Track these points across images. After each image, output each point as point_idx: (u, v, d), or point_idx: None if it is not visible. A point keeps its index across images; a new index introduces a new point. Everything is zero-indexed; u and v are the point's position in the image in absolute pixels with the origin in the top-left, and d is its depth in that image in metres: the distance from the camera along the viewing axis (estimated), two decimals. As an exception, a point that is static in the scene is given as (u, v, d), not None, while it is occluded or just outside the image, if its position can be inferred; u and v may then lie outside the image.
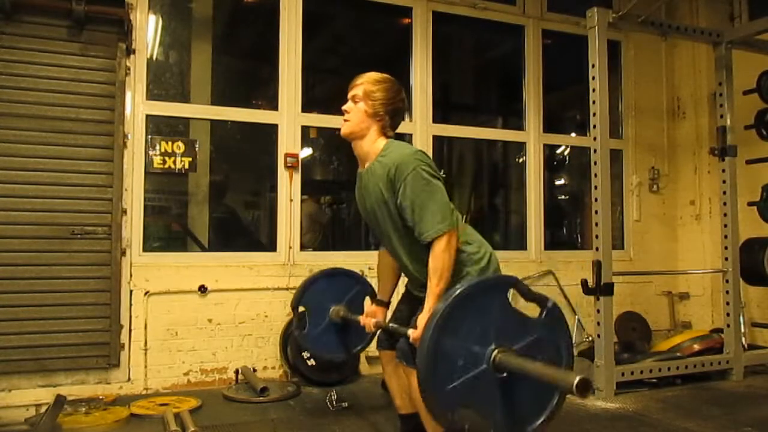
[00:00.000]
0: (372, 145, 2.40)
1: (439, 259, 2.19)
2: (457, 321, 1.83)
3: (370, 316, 2.71)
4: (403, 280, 2.67)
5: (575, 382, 1.59)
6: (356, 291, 3.11)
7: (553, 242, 5.68)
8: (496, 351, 1.83)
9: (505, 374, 1.84)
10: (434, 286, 2.18)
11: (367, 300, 3.05)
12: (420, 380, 1.82)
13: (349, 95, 2.43)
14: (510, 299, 1.99)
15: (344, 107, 2.43)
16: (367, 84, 2.40)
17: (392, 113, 2.41)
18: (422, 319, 2.16)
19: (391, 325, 2.53)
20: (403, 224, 2.32)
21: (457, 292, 1.85)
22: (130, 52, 4.07)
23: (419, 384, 1.83)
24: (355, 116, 2.39)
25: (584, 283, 3.96)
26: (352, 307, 3.07)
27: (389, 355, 2.53)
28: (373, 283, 3.08)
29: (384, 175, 2.29)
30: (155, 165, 4.22)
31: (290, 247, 4.47)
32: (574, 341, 4.79)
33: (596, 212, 4.00)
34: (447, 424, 1.86)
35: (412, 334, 2.19)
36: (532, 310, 1.98)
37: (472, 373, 1.83)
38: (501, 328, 1.87)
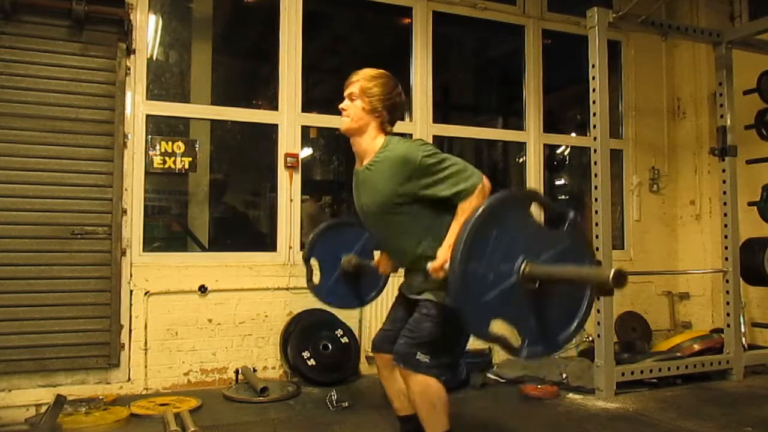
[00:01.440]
0: (371, 142, 2.40)
1: (473, 202, 2.17)
2: (485, 238, 1.87)
3: (383, 260, 2.73)
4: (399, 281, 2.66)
5: (611, 274, 1.62)
6: (365, 240, 3.05)
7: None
8: (524, 263, 1.88)
9: (536, 285, 1.89)
10: (459, 223, 2.13)
11: (377, 252, 3.02)
12: (455, 296, 1.87)
13: (346, 93, 2.43)
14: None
15: (341, 106, 2.43)
16: (362, 81, 2.39)
17: (390, 108, 2.40)
18: (443, 251, 2.15)
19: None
20: (409, 217, 2.31)
21: (481, 210, 1.89)
22: (130, 52, 4.07)
23: (455, 300, 1.88)
24: (353, 114, 2.39)
25: (584, 283, 3.96)
26: (362, 256, 3.03)
27: (385, 358, 2.52)
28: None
29: (390, 167, 2.28)
30: (155, 165, 4.22)
31: (290, 247, 4.47)
32: (574, 341, 4.82)
33: (596, 212, 4.00)
34: (484, 336, 1.92)
35: (433, 264, 2.17)
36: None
37: (504, 286, 1.88)
38: (526, 242, 1.92)
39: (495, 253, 1.88)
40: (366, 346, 4.49)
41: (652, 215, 5.71)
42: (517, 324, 1.93)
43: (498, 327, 1.95)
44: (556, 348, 2.07)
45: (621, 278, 1.62)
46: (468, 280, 1.84)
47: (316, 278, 3.07)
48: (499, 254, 1.88)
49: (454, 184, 2.23)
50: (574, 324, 1.99)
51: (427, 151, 2.25)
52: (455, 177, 2.24)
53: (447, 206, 2.27)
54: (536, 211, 2.07)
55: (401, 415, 2.61)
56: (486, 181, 2.25)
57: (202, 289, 4.20)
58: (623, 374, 4.00)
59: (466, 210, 2.16)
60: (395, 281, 2.81)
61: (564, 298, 1.96)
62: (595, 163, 4.04)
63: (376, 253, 2.95)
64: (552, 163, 6.22)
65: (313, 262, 3.05)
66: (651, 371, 4.11)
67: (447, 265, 2.02)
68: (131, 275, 4.04)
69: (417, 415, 2.38)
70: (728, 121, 4.47)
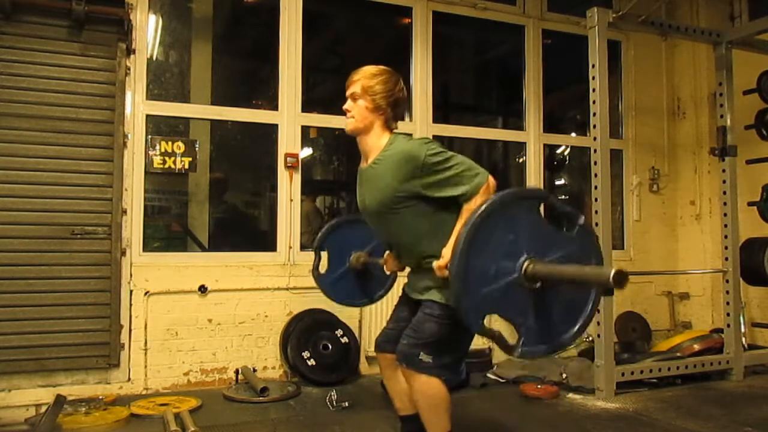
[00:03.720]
0: (377, 140, 2.39)
1: (478, 202, 2.15)
2: (490, 230, 1.86)
3: (389, 259, 2.73)
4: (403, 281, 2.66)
5: (611, 273, 1.61)
6: (378, 242, 3.01)
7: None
8: (527, 261, 1.87)
9: (538, 285, 1.87)
10: (462, 222, 2.12)
11: (387, 251, 3.01)
12: (452, 288, 1.85)
13: (348, 93, 2.41)
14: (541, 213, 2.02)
15: (345, 107, 2.41)
16: (364, 79, 2.38)
17: (393, 105, 2.39)
18: (449, 249, 2.13)
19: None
20: (413, 216, 2.30)
21: (491, 201, 1.89)
22: (130, 52, 4.07)
23: (454, 291, 1.86)
24: (357, 114, 2.38)
25: (584, 283, 3.96)
26: (374, 255, 3.02)
27: (389, 358, 2.52)
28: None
29: (394, 164, 2.28)
30: (155, 165, 4.21)
31: (290, 247, 4.47)
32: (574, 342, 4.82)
33: (596, 212, 4.00)
34: (479, 330, 1.91)
35: (439, 261, 2.16)
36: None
37: (504, 281, 1.87)
38: (532, 240, 1.91)
39: (498, 249, 1.87)
40: (366, 346, 4.49)
41: (652, 215, 5.71)
42: (516, 322, 1.92)
43: (496, 324, 1.95)
44: (559, 348, 2.07)
45: (622, 278, 1.61)
46: (468, 272, 1.83)
47: (323, 268, 3.06)
48: (502, 250, 1.87)
49: (458, 184, 2.23)
50: (578, 325, 1.99)
51: (432, 150, 2.24)
52: (460, 176, 2.23)
53: (452, 205, 2.26)
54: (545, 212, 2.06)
55: (403, 414, 2.61)
56: (491, 180, 2.24)
57: (202, 289, 4.20)
58: (623, 374, 4.00)
59: (470, 210, 2.13)
60: (400, 280, 2.81)
61: (568, 299, 1.95)
62: (595, 163, 4.05)
63: (387, 254, 2.94)
64: (552, 163, 6.23)
65: (323, 253, 3.05)
66: (651, 371, 4.11)
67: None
68: (131, 275, 4.04)
69: (418, 415, 2.38)
70: (728, 121, 4.47)
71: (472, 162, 2.28)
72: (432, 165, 2.23)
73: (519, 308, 1.90)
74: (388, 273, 2.91)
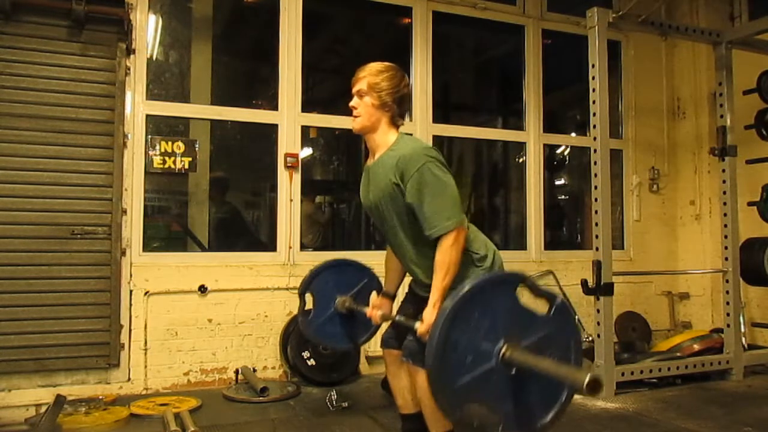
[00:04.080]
0: (384, 137, 2.39)
1: (447, 253, 2.18)
2: (466, 318, 1.82)
3: (377, 308, 2.70)
4: (407, 279, 2.66)
5: (586, 380, 1.58)
6: (364, 284, 3.06)
7: (553, 242, 5.69)
8: (505, 347, 1.83)
9: (514, 370, 1.84)
10: (440, 280, 2.18)
11: (374, 293, 3.02)
12: (430, 377, 1.82)
13: (354, 90, 2.41)
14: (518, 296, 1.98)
15: (351, 104, 2.41)
16: (370, 76, 2.38)
17: (399, 101, 2.40)
18: (429, 313, 2.15)
19: (398, 317, 2.52)
20: (409, 218, 2.31)
21: (466, 288, 1.84)
22: (130, 52, 4.07)
23: (429, 381, 1.82)
24: (363, 111, 2.38)
25: (584, 283, 3.96)
26: (358, 300, 3.03)
27: (394, 354, 2.52)
28: (381, 278, 3.07)
29: (393, 165, 2.28)
30: (155, 165, 4.21)
31: (290, 247, 4.46)
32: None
33: (596, 212, 4.00)
34: (456, 419, 1.87)
35: (420, 327, 2.18)
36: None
37: (482, 370, 1.82)
38: (510, 324, 1.86)
39: (476, 333, 1.82)
40: (366, 346, 4.47)
41: (652, 215, 5.71)
42: (494, 410, 1.87)
43: (473, 410, 1.88)
44: None
45: (596, 386, 1.58)
46: (446, 358, 1.79)
47: (309, 313, 3.06)
48: (480, 335, 1.83)
49: (427, 217, 2.21)
50: (551, 414, 1.92)
51: (431, 166, 2.23)
52: (435, 206, 2.21)
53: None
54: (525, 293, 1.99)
55: (404, 413, 2.62)
56: (462, 233, 2.22)
57: (202, 289, 4.20)
58: (623, 374, 4.00)
59: (442, 264, 2.17)
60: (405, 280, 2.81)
61: (542, 384, 1.88)
62: (595, 163, 4.04)
63: (373, 297, 2.95)
64: (552, 163, 6.23)
65: (308, 296, 3.05)
66: (651, 371, 4.11)
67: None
68: (131, 275, 4.04)
69: (420, 414, 2.39)
70: (728, 121, 4.47)
71: (457, 205, 2.25)
72: (422, 178, 2.21)
73: (497, 395, 1.86)
74: (373, 324, 2.87)
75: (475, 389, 1.83)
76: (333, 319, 3.05)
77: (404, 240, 2.39)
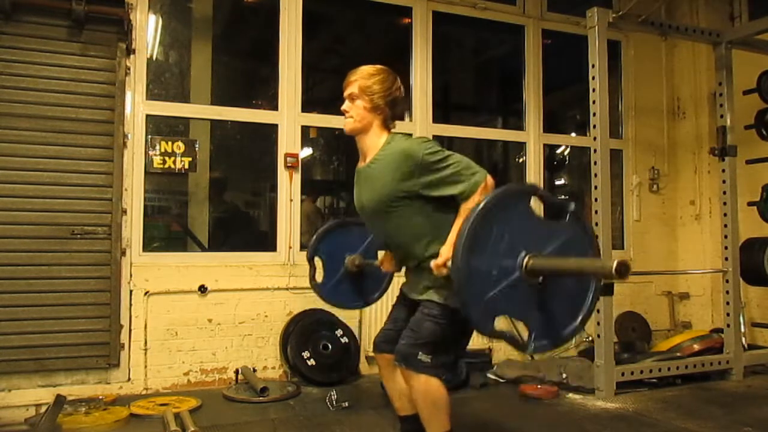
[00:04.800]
0: (376, 140, 2.39)
1: (474, 202, 2.15)
2: (485, 234, 1.86)
3: (386, 259, 2.71)
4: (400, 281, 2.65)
5: (614, 265, 1.63)
6: (370, 241, 3.03)
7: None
8: (527, 257, 1.87)
9: (539, 280, 1.88)
10: (460, 224, 2.12)
11: (381, 252, 3.00)
12: (458, 295, 1.86)
13: (345, 94, 2.41)
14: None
15: (343, 107, 2.42)
16: (361, 79, 2.38)
17: (392, 104, 2.39)
18: (446, 248, 2.14)
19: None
20: (413, 211, 2.30)
21: (480, 206, 1.88)
22: (130, 52, 4.07)
23: (458, 298, 1.86)
24: (355, 114, 2.38)
25: (584, 283, 3.96)
26: (366, 257, 3.02)
27: (387, 358, 2.51)
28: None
29: (395, 160, 2.28)
30: (155, 165, 4.21)
31: (290, 247, 4.46)
32: (574, 341, 4.82)
33: (596, 212, 4.01)
34: (489, 333, 1.92)
35: (438, 259, 2.16)
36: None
37: (507, 282, 1.87)
38: (528, 236, 1.91)
39: (497, 248, 1.87)
40: (366, 346, 4.49)
41: (652, 215, 5.71)
42: (523, 319, 1.93)
43: (502, 323, 1.95)
44: (561, 342, 2.07)
45: (624, 269, 1.62)
46: (471, 276, 1.83)
47: (319, 277, 3.06)
48: (501, 249, 1.87)
49: (456, 182, 2.23)
50: (579, 318, 1.99)
51: (430, 149, 2.24)
52: (458, 175, 2.23)
53: (450, 205, 2.26)
54: (537, 205, 2.07)
55: (402, 415, 2.61)
56: (490, 180, 2.24)
57: (202, 289, 4.20)
58: (623, 374, 4.00)
59: (469, 209, 2.13)
60: (397, 281, 2.81)
61: (568, 292, 1.96)
62: (595, 163, 4.05)
63: (380, 253, 2.94)
64: (552, 163, 6.23)
65: (317, 261, 3.05)
66: (651, 371, 4.11)
67: (450, 263, 2.02)
68: (131, 275, 4.04)
69: (418, 416, 2.38)
70: (728, 121, 4.47)
71: (471, 161, 2.28)
72: (430, 164, 2.23)
73: (524, 305, 1.91)
74: (384, 273, 2.90)
75: (504, 301, 1.88)
76: (344, 280, 3.05)
77: (399, 230, 2.37)
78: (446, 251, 2.12)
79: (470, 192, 2.21)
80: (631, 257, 5.59)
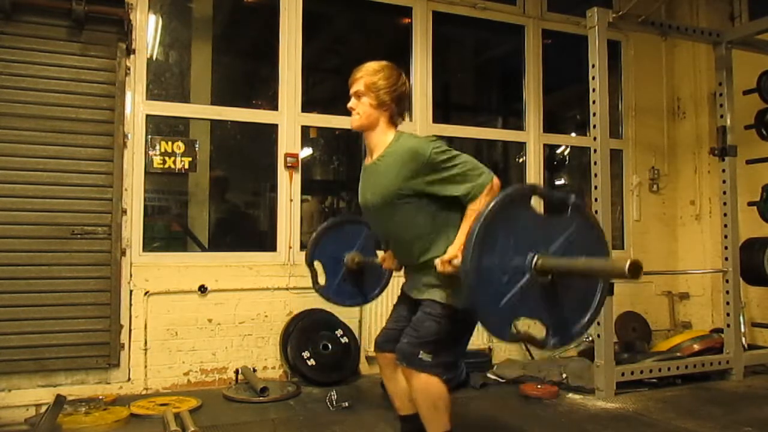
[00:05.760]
0: (382, 137, 2.39)
1: (481, 203, 2.16)
2: (492, 241, 1.86)
3: (388, 256, 2.71)
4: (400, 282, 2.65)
5: (626, 266, 1.63)
6: (365, 235, 3.04)
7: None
8: (535, 258, 1.88)
9: (549, 278, 1.88)
10: (468, 226, 2.13)
11: (380, 252, 3.00)
12: (472, 304, 1.87)
13: (351, 91, 2.41)
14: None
15: (349, 105, 2.42)
16: (367, 76, 2.38)
17: (397, 100, 2.40)
18: (453, 249, 2.16)
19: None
20: (417, 209, 2.30)
21: (488, 208, 1.88)
22: (130, 52, 4.07)
23: (474, 310, 1.87)
24: (362, 111, 2.38)
25: (584, 283, 3.96)
26: (364, 253, 3.03)
27: (388, 357, 2.52)
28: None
29: (402, 159, 2.28)
30: (155, 165, 4.22)
31: (290, 247, 4.47)
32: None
33: (596, 212, 4.00)
34: (510, 339, 1.93)
35: (445, 255, 2.17)
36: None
37: (520, 285, 1.87)
38: (534, 235, 1.91)
39: (505, 251, 1.87)
40: (366, 346, 4.49)
41: (652, 215, 5.71)
42: (538, 317, 1.94)
43: (517, 324, 1.96)
44: (571, 339, 2.07)
45: (637, 269, 1.62)
46: (482, 278, 1.83)
47: (322, 279, 3.06)
48: (509, 252, 1.88)
49: (462, 183, 2.23)
50: (587, 316, 1.99)
51: (437, 148, 2.25)
52: (464, 175, 2.23)
53: (454, 205, 2.27)
54: (537, 203, 2.07)
55: (402, 414, 2.61)
56: (496, 181, 2.25)
57: (202, 289, 4.20)
58: (623, 374, 4.00)
59: (475, 210, 2.14)
60: (397, 279, 2.81)
61: (577, 289, 1.96)
62: (595, 163, 4.05)
63: (380, 253, 2.93)
64: (552, 163, 6.22)
65: (317, 264, 3.05)
66: (651, 371, 4.11)
67: (456, 261, 2.01)
68: (131, 275, 4.04)
69: (418, 415, 2.38)
70: (728, 121, 4.47)
71: (478, 162, 2.28)
72: (437, 163, 2.23)
73: (537, 304, 1.91)
74: (385, 270, 2.90)
75: (519, 304, 1.88)
76: (346, 279, 3.06)
77: (404, 228, 2.36)
78: (453, 250, 2.12)
79: (476, 193, 2.21)
80: (632, 257, 5.58)
